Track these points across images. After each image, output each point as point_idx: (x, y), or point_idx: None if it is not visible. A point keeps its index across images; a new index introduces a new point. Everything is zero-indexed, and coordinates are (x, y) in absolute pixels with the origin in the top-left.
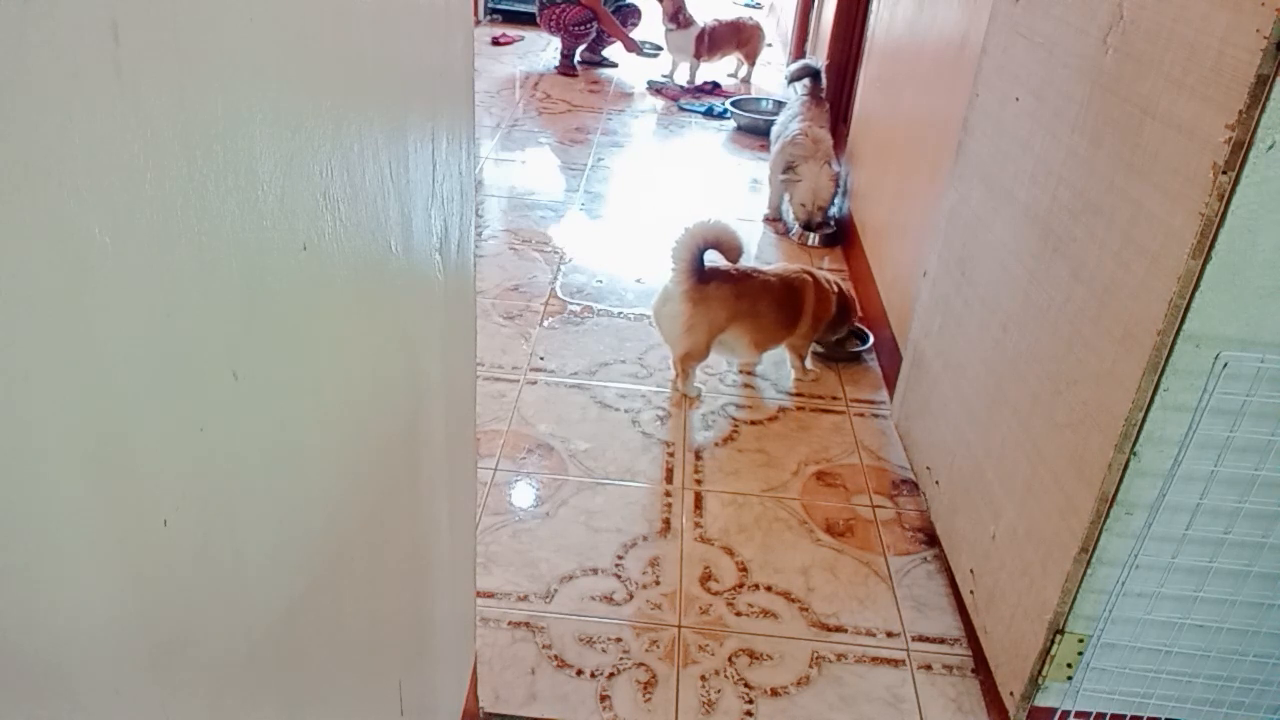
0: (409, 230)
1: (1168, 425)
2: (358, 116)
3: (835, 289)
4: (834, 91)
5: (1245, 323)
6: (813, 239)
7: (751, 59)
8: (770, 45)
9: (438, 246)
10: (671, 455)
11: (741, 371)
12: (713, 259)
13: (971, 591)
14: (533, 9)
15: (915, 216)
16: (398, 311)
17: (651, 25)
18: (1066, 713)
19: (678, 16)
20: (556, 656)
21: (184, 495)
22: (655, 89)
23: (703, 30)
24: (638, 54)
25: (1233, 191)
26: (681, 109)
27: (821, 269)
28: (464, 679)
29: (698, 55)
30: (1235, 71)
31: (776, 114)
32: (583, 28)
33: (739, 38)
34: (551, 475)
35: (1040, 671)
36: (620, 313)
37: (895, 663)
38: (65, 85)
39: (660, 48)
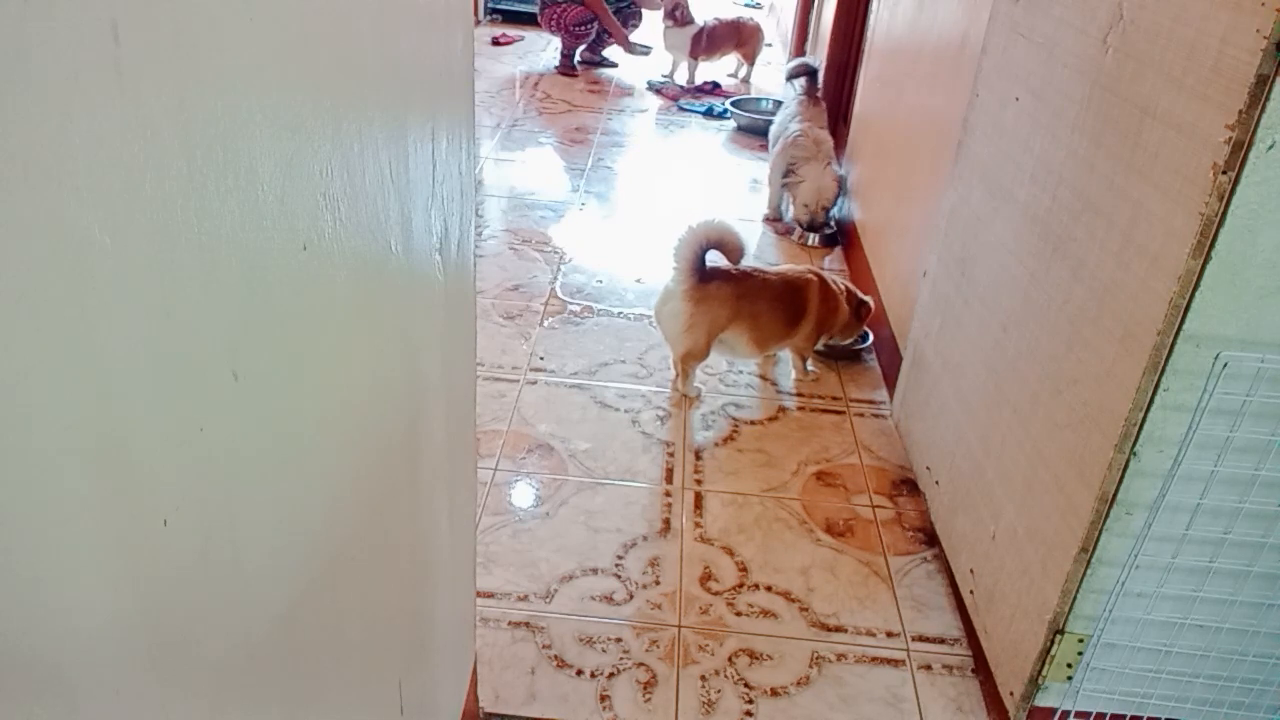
0: (409, 230)
1: (1168, 425)
2: (358, 116)
3: (844, 290)
4: (834, 91)
5: (1245, 323)
6: (813, 239)
7: (750, 59)
8: (770, 45)
9: (438, 246)
10: (671, 455)
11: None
12: (715, 259)
13: (971, 591)
14: (533, 9)
15: (915, 216)
16: (398, 311)
17: (651, 26)
18: (1066, 713)
19: (675, 13)
20: (556, 656)
21: (184, 495)
22: (655, 89)
23: (701, 29)
24: (629, 51)
25: (1233, 191)
26: (681, 109)
27: (824, 269)
28: (464, 679)
29: (694, 54)
30: (1235, 71)
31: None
32: (583, 28)
33: (738, 38)
34: (551, 475)
35: (1040, 671)
36: (620, 313)
37: (895, 663)
38: (65, 85)
39: (650, 48)
